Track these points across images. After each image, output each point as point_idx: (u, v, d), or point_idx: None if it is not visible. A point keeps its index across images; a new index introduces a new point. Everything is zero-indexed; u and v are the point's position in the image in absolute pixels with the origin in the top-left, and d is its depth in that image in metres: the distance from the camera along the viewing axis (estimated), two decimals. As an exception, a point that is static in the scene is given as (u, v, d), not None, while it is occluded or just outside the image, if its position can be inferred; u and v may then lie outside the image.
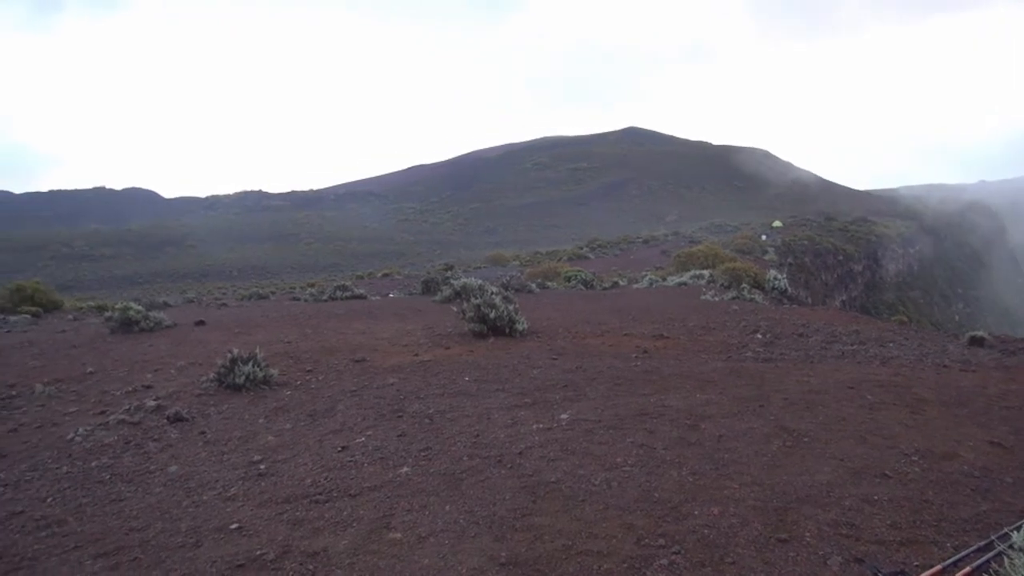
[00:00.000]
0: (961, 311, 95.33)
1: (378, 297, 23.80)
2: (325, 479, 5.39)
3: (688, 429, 6.09)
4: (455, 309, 13.08)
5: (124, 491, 5.49)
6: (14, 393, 8.95)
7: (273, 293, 33.79)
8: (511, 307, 12.25)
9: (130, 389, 8.83)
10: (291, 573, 3.95)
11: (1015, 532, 3.55)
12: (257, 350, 9.08)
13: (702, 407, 6.81)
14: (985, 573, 3.48)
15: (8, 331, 15.68)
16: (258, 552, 4.21)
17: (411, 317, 14.99)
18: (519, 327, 12.02)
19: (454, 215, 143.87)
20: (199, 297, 33.89)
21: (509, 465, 5.39)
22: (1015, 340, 11.58)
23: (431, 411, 7.16)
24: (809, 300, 42.05)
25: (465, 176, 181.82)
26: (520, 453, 5.64)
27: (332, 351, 10.85)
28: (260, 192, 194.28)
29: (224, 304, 23.59)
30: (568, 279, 26.73)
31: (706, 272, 26.03)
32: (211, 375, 8.84)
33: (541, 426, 6.37)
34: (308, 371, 9.52)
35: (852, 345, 10.76)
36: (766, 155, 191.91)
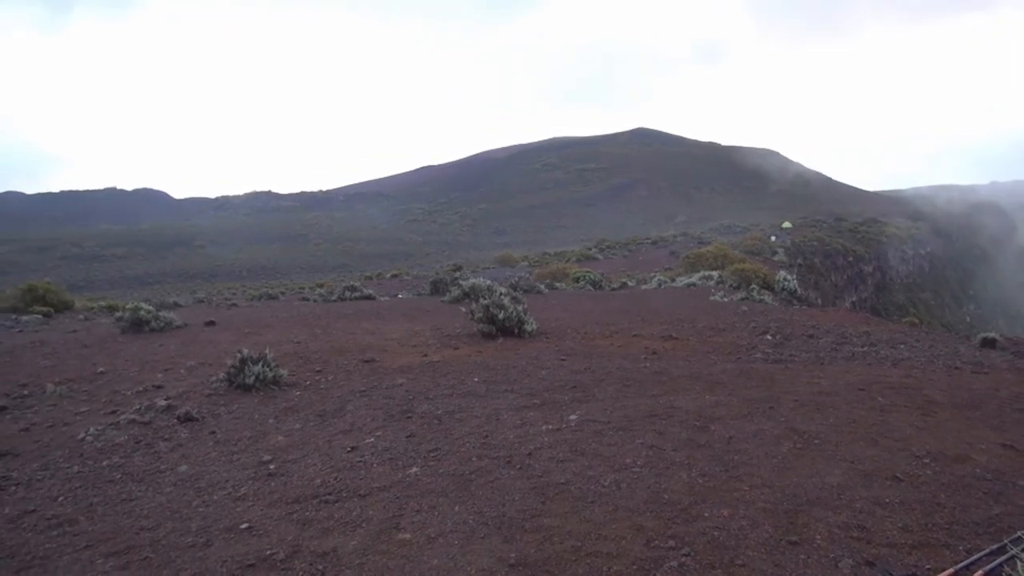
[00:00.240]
0: (972, 312, 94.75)
1: (387, 298, 23.85)
2: (335, 479, 5.39)
3: (698, 430, 6.07)
4: (464, 310, 13.09)
5: (135, 490, 5.51)
6: (26, 393, 9.01)
7: (282, 293, 33.91)
8: (520, 308, 12.25)
9: (141, 389, 8.87)
10: (301, 573, 3.95)
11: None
12: (267, 350, 9.11)
13: (712, 408, 6.79)
14: (997, 577, 3.46)
15: (20, 331, 15.78)
16: (268, 552, 4.21)
17: (420, 318, 15.01)
18: (528, 328, 12.02)
19: (462, 216, 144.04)
20: (209, 297, 34.03)
21: (518, 466, 5.38)
22: (1027, 342, 11.51)
23: (440, 412, 7.16)
24: (819, 301, 41.90)
25: (473, 177, 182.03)
26: (529, 454, 5.63)
27: (341, 351, 10.87)
28: (270, 193, 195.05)
29: (234, 304, 23.68)
30: (577, 280, 26.71)
31: (715, 273, 25.97)
32: (221, 375, 8.87)
33: (550, 427, 6.36)
34: (317, 371, 9.55)
35: (863, 347, 10.71)
36: (775, 156, 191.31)
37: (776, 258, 46.47)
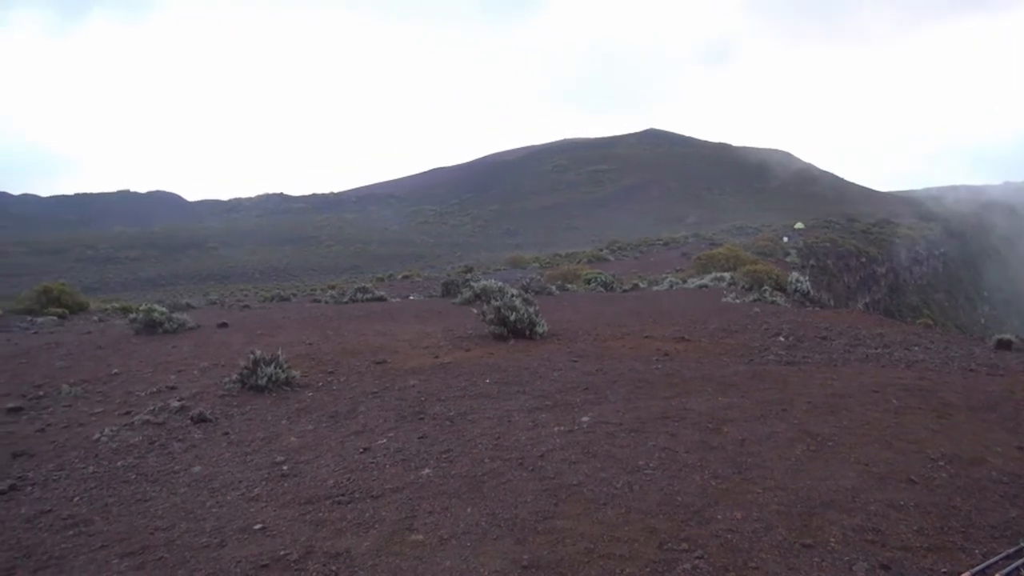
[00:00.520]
0: (987, 314, 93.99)
1: (398, 299, 23.89)
2: (347, 480, 5.41)
3: (710, 432, 6.05)
4: (475, 311, 13.09)
5: (149, 491, 5.55)
6: (41, 393, 9.09)
7: (294, 295, 34.02)
8: (531, 309, 12.24)
9: (154, 390, 8.92)
10: (314, 574, 3.97)
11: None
12: (279, 352, 9.14)
13: (724, 410, 6.76)
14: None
15: (35, 332, 15.92)
16: (282, 552, 4.23)
17: (431, 319, 15.03)
18: (539, 329, 12.01)
19: (473, 217, 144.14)
20: (222, 299, 34.19)
21: (530, 468, 5.38)
22: (1043, 344, 11.39)
23: (452, 413, 7.17)
24: (832, 303, 41.67)
25: (485, 178, 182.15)
26: (541, 456, 5.63)
27: (353, 353, 10.90)
28: (281, 195, 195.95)
29: (246, 306, 23.79)
30: (588, 281, 26.66)
31: (727, 274, 25.88)
32: (234, 376, 8.91)
33: (562, 429, 6.36)
34: (329, 373, 9.58)
35: (876, 348, 10.65)
36: (786, 156, 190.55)
37: (788, 259, 46.28)
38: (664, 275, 30.77)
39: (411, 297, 25.53)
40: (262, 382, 8.57)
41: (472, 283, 20.63)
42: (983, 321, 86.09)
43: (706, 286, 24.14)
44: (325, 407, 7.83)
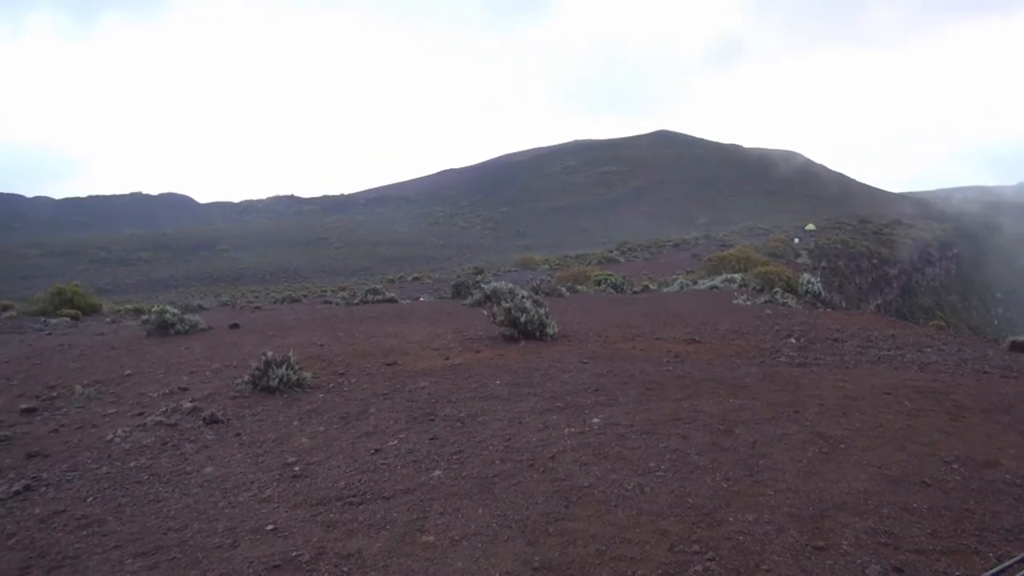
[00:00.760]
0: (1000, 315, 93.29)
1: (409, 301, 23.94)
2: (358, 481, 5.43)
3: (721, 434, 6.04)
4: (485, 313, 13.09)
5: (162, 491, 5.58)
6: (55, 394, 9.15)
7: (305, 297, 34.15)
8: (541, 311, 12.24)
9: (167, 391, 8.97)
10: (326, 575, 3.98)
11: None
12: (290, 353, 9.17)
13: (735, 412, 6.74)
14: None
15: (48, 333, 16.04)
16: (293, 553, 4.25)
17: (442, 321, 15.05)
18: (550, 331, 12.01)
19: (483, 219, 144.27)
20: (233, 300, 34.35)
21: (541, 469, 5.38)
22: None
23: (463, 415, 7.18)
24: (843, 304, 41.48)
25: (494, 180, 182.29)
26: (552, 457, 5.63)
27: (364, 354, 10.93)
28: (292, 197, 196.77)
29: (257, 307, 23.91)
30: (598, 283, 26.64)
31: (738, 276, 25.81)
32: (245, 377, 8.95)
33: (573, 430, 6.36)
34: (340, 374, 9.60)
35: (888, 350, 10.59)
36: (797, 157, 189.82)
37: (799, 261, 46.13)
38: (674, 276, 30.70)
39: (421, 299, 25.57)
40: (274, 383, 8.60)
41: (482, 284, 20.66)
42: (996, 323, 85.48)
43: (717, 288, 24.08)
44: (336, 408, 7.85)
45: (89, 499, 5.48)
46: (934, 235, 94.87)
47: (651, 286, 26.72)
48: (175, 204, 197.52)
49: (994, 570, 3.58)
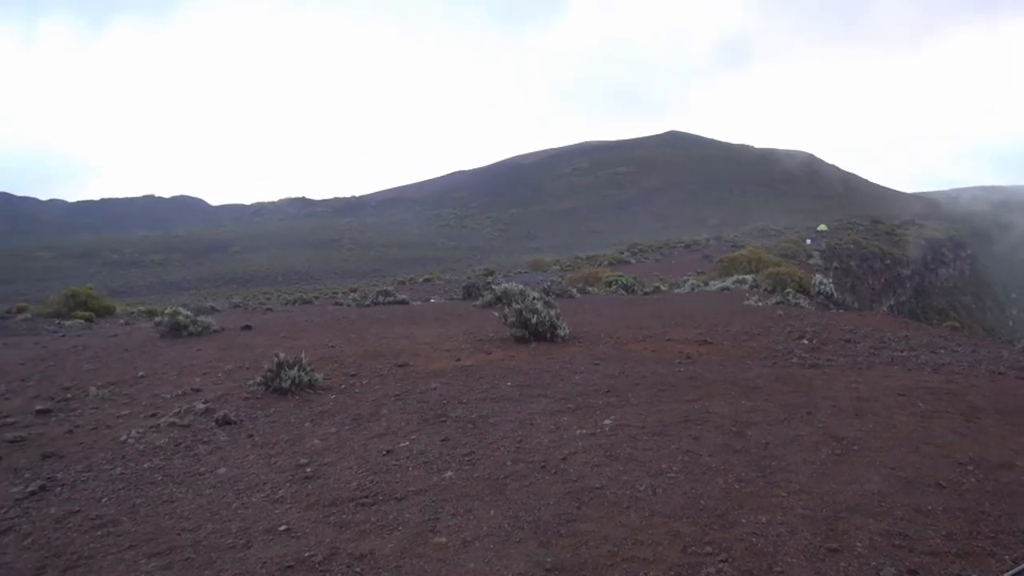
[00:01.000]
0: (1015, 316, 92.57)
1: (420, 302, 23.99)
2: (371, 482, 5.44)
3: (734, 436, 6.01)
4: (496, 314, 13.09)
5: (176, 492, 5.61)
6: (69, 396, 9.22)
7: (316, 298, 34.28)
8: (552, 312, 12.23)
9: (180, 392, 9.02)
10: (339, 575, 3.99)
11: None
12: (302, 354, 9.20)
13: (748, 414, 6.72)
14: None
15: (63, 335, 16.17)
16: (306, 554, 4.27)
17: (453, 322, 15.06)
18: (561, 332, 11.99)
19: (494, 220, 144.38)
20: (245, 302, 34.51)
21: (553, 470, 5.38)
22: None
23: (474, 416, 7.18)
24: (856, 305, 41.25)
25: (505, 182, 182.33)
26: (564, 459, 5.62)
27: (375, 356, 10.95)
28: (303, 199, 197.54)
29: (269, 309, 24.01)
30: (609, 284, 26.61)
31: (749, 277, 25.72)
32: (258, 379, 8.98)
33: (584, 432, 6.35)
34: (352, 375, 9.63)
35: (902, 351, 10.53)
36: (808, 157, 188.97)
37: (811, 261, 45.95)
38: (686, 278, 30.63)
39: (432, 300, 25.62)
40: (286, 385, 8.64)
41: (493, 286, 20.66)
42: (1011, 324, 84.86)
43: (728, 289, 24.00)
44: (348, 409, 7.87)
45: (104, 499, 5.53)
46: (947, 235, 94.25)
47: (662, 287, 26.67)
48: (187, 206, 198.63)
49: (1010, 573, 3.56)
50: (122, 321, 21.18)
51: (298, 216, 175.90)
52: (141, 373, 10.34)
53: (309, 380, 8.87)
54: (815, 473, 5.06)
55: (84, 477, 6.09)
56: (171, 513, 5.14)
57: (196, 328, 14.49)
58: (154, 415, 7.97)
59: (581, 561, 3.93)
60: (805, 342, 11.38)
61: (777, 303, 18.22)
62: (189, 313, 15.28)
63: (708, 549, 3.99)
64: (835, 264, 53.09)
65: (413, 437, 6.58)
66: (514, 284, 19.91)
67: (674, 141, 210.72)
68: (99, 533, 4.86)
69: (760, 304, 17.89)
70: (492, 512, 4.69)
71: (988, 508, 4.41)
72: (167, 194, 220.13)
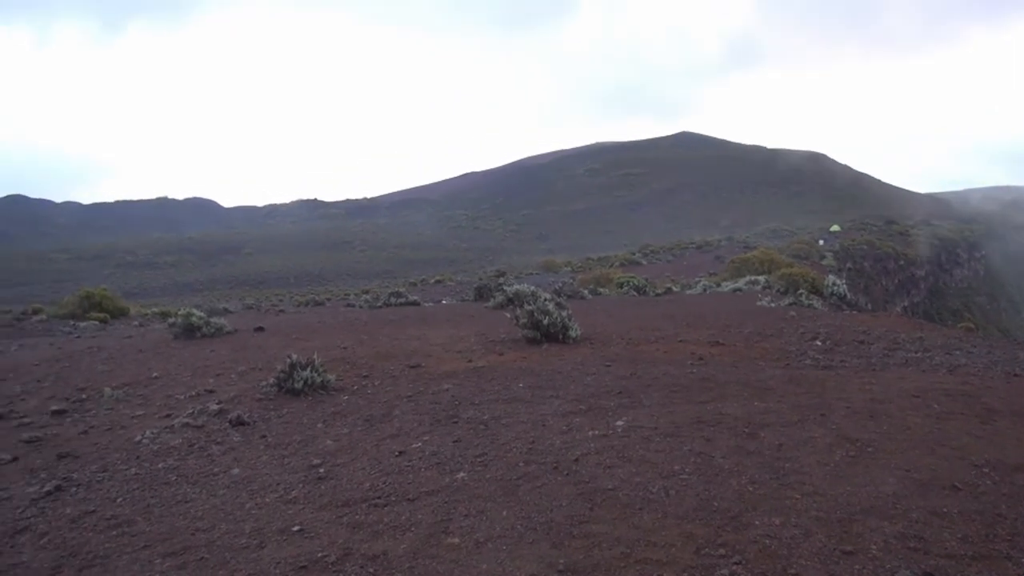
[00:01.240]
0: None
1: (431, 304, 24.03)
2: (383, 483, 5.45)
3: (747, 437, 5.99)
4: (508, 315, 13.09)
5: (190, 492, 5.64)
6: (84, 397, 9.29)
7: (329, 300, 34.40)
8: (564, 313, 12.22)
9: (193, 393, 9.07)
10: (352, 576, 4.01)
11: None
12: (315, 356, 9.23)
13: (761, 415, 6.69)
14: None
15: (78, 336, 16.30)
16: (320, 554, 4.28)
17: (464, 323, 15.08)
18: (572, 333, 11.98)
19: (506, 222, 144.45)
20: (258, 303, 34.68)
21: (565, 472, 5.37)
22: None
23: (486, 417, 7.18)
24: (869, 306, 41.01)
25: (517, 183, 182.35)
26: (576, 460, 5.62)
27: (387, 357, 10.97)
28: (316, 201, 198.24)
29: (282, 311, 24.12)
30: (621, 285, 26.57)
31: (762, 278, 25.62)
32: (271, 380, 9.02)
33: (597, 433, 6.34)
34: (364, 376, 9.65)
35: (916, 352, 10.45)
36: (821, 158, 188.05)
37: (824, 262, 45.73)
38: (698, 279, 30.55)
39: (444, 301, 25.66)
40: (298, 386, 8.67)
41: (505, 287, 20.68)
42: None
43: (740, 290, 23.91)
44: (360, 411, 7.89)
45: (119, 499, 5.56)
46: (961, 235, 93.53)
47: (674, 288, 26.61)
48: (200, 208, 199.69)
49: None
50: (136, 322, 21.33)
51: (310, 218, 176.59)
52: (155, 374, 10.41)
53: (322, 381, 8.90)
54: (829, 475, 5.03)
55: (99, 477, 6.14)
56: (185, 513, 5.17)
57: (209, 329, 14.58)
58: (168, 416, 8.02)
59: (594, 563, 3.93)
60: (818, 343, 11.32)
61: (790, 304, 18.14)
62: (202, 315, 15.37)
63: (721, 551, 3.98)
64: (848, 265, 52.82)
65: (425, 438, 6.59)
66: (526, 285, 19.93)
67: (686, 142, 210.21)
68: (114, 533, 4.89)
69: (773, 305, 17.81)
70: (504, 513, 4.69)
71: (1004, 511, 4.38)
72: (180, 196, 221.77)
